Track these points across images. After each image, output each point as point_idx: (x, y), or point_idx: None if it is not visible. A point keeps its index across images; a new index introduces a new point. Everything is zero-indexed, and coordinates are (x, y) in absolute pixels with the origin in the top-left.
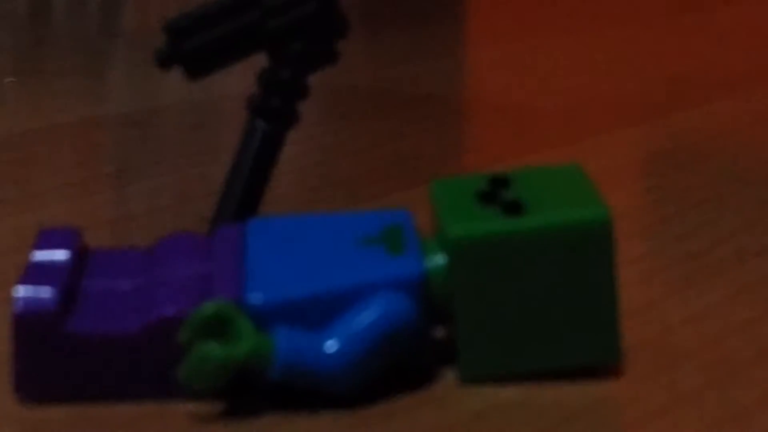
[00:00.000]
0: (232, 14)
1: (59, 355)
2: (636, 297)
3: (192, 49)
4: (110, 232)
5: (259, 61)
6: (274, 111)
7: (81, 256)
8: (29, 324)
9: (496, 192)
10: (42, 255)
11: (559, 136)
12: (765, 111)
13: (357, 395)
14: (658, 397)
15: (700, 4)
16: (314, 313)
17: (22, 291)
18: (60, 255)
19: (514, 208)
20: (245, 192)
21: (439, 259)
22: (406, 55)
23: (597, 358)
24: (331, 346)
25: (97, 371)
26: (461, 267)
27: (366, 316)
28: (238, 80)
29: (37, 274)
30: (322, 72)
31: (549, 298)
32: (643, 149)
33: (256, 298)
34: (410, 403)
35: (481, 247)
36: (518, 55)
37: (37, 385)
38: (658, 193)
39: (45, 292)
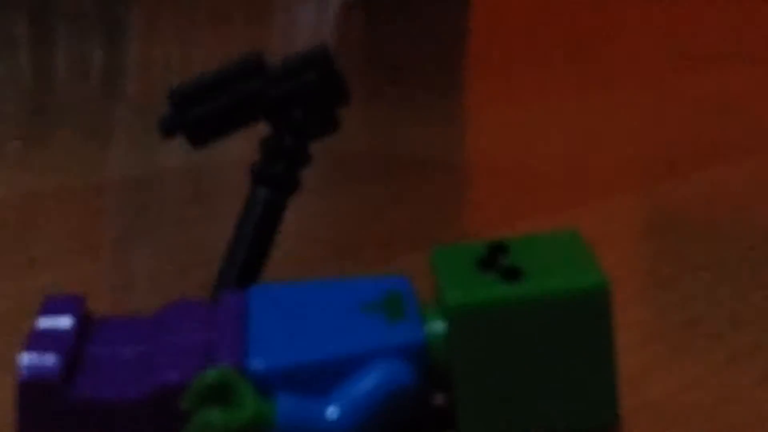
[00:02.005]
0: (234, 83)
1: (63, 421)
2: (634, 362)
3: (195, 118)
4: (113, 299)
5: (262, 128)
6: (276, 178)
7: (85, 322)
8: (33, 391)
9: (494, 259)
10: (46, 322)
11: (557, 201)
12: (761, 178)
13: None
14: None
15: (698, 68)
16: (316, 380)
17: (26, 358)
18: (64, 322)
19: (512, 275)
20: (247, 258)
21: (438, 326)
22: (405, 121)
23: (595, 423)
24: (332, 412)
25: None
26: (460, 333)
27: (367, 383)
28: (240, 147)
29: (41, 341)
30: (323, 139)
31: (548, 364)
32: (640, 214)
33: (258, 364)
34: None
35: (479, 314)
36: (517, 120)
37: None
38: (654, 258)
39: (49, 359)
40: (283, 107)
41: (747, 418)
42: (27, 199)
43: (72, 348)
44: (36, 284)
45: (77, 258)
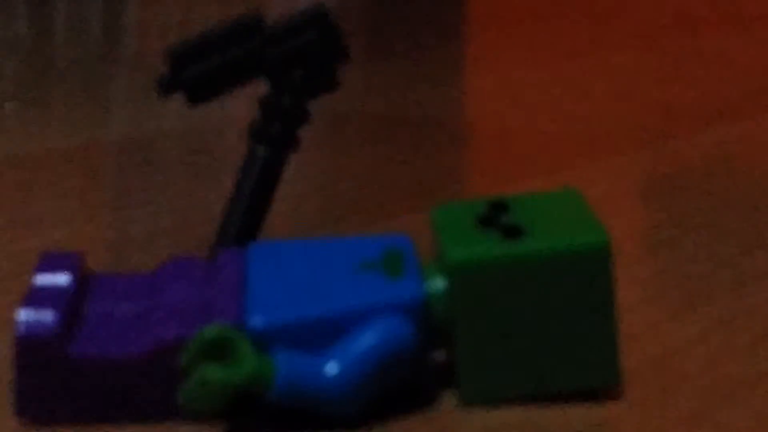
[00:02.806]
0: (232, 41)
1: (61, 377)
2: (635, 320)
3: (193, 76)
4: (111, 257)
5: (260, 87)
6: (275, 137)
7: (83, 280)
8: (31, 347)
9: (495, 217)
10: (44, 279)
11: (559, 161)
12: (763, 136)
13: (357, 417)
14: (657, 420)
15: (700, 30)
16: (315, 336)
17: (24, 314)
18: (62, 279)
19: (513, 233)
20: (246, 216)
21: (438, 283)
22: (406, 81)
23: (597, 381)
24: (331, 368)
25: (99, 394)
26: (461, 290)
27: (366, 339)
28: (239, 106)
29: (39, 297)
30: (323, 98)
31: (548, 321)
32: (642, 174)
33: (256, 321)
34: (410, 425)
35: (480, 271)
36: (518, 81)
37: (38, 407)
38: (657, 217)
39: (47, 315)
40: (282, 66)
41: (748, 375)
42: (25, 159)
43: (70, 305)
44: (35, 244)
45: (76, 217)
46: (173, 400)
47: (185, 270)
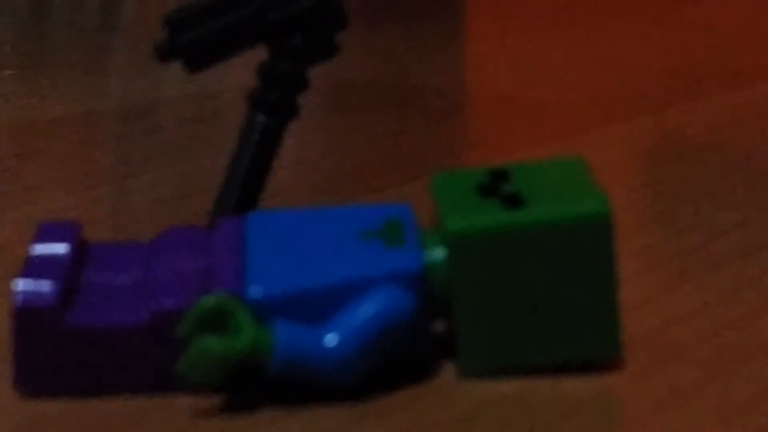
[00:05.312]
0: (231, 7)
1: (59, 348)
2: (635, 291)
3: (191, 42)
4: (110, 226)
5: (259, 53)
6: (274, 104)
7: (80, 249)
8: (29, 317)
9: (495, 185)
10: (42, 249)
11: (558, 130)
12: (764, 105)
13: (356, 389)
14: (658, 391)
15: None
16: (314, 307)
17: (21, 285)
18: (60, 249)
19: (513, 202)
20: (245, 185)
21: (438, 253)
22: (405, 49)
23: (597, 352)
24: (330, 339)
25: (97, 365)
26: (460, 260)
27: (365, 310)
28: (238, 73)
29: (36, 267)
30: (322, 66)
31: (548, 291)
32: (642, 143)
33: (255, 291)
34: (409, 396)
35: (480, 240)
36: (518, 49)
37: (36, 378)
38: (657, 186)
39: (45, 285)
40: (281, 32)
41: (748, 347)
42: (24, 128)
43: (68, 274)
44: (33, 213)
45: (74, 187)
46: (171, 371)
47: (184, 239)
